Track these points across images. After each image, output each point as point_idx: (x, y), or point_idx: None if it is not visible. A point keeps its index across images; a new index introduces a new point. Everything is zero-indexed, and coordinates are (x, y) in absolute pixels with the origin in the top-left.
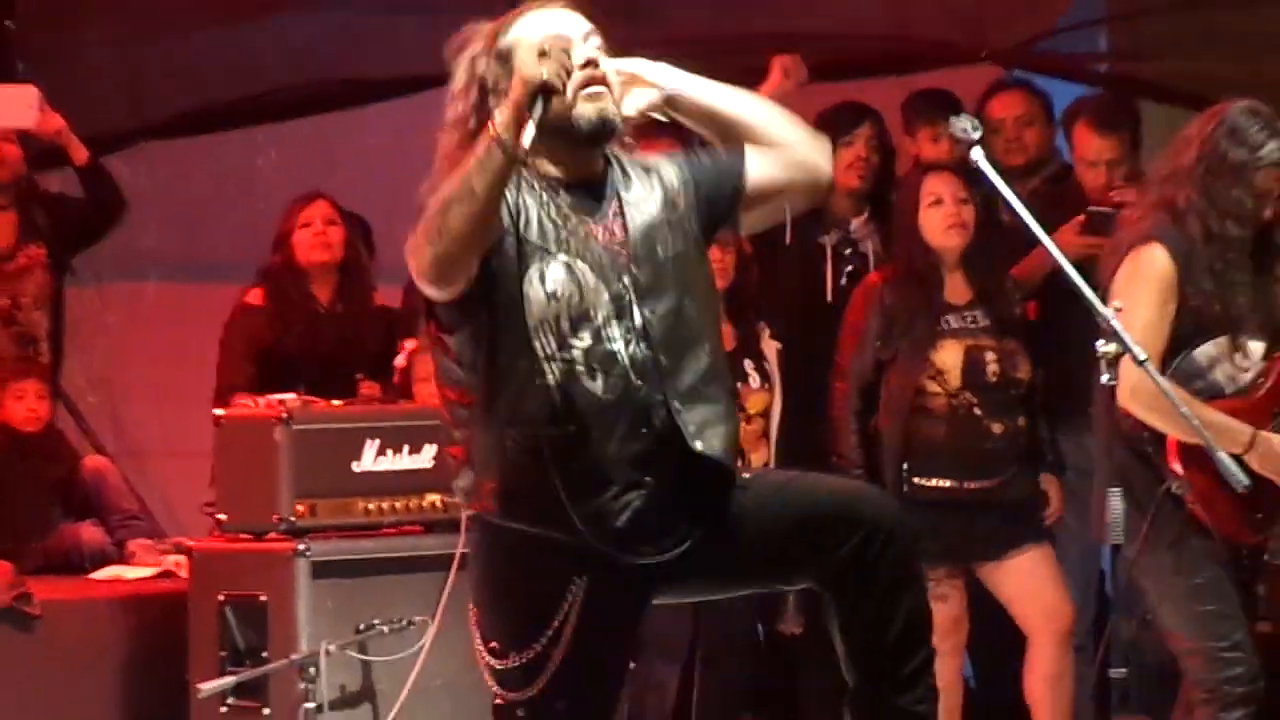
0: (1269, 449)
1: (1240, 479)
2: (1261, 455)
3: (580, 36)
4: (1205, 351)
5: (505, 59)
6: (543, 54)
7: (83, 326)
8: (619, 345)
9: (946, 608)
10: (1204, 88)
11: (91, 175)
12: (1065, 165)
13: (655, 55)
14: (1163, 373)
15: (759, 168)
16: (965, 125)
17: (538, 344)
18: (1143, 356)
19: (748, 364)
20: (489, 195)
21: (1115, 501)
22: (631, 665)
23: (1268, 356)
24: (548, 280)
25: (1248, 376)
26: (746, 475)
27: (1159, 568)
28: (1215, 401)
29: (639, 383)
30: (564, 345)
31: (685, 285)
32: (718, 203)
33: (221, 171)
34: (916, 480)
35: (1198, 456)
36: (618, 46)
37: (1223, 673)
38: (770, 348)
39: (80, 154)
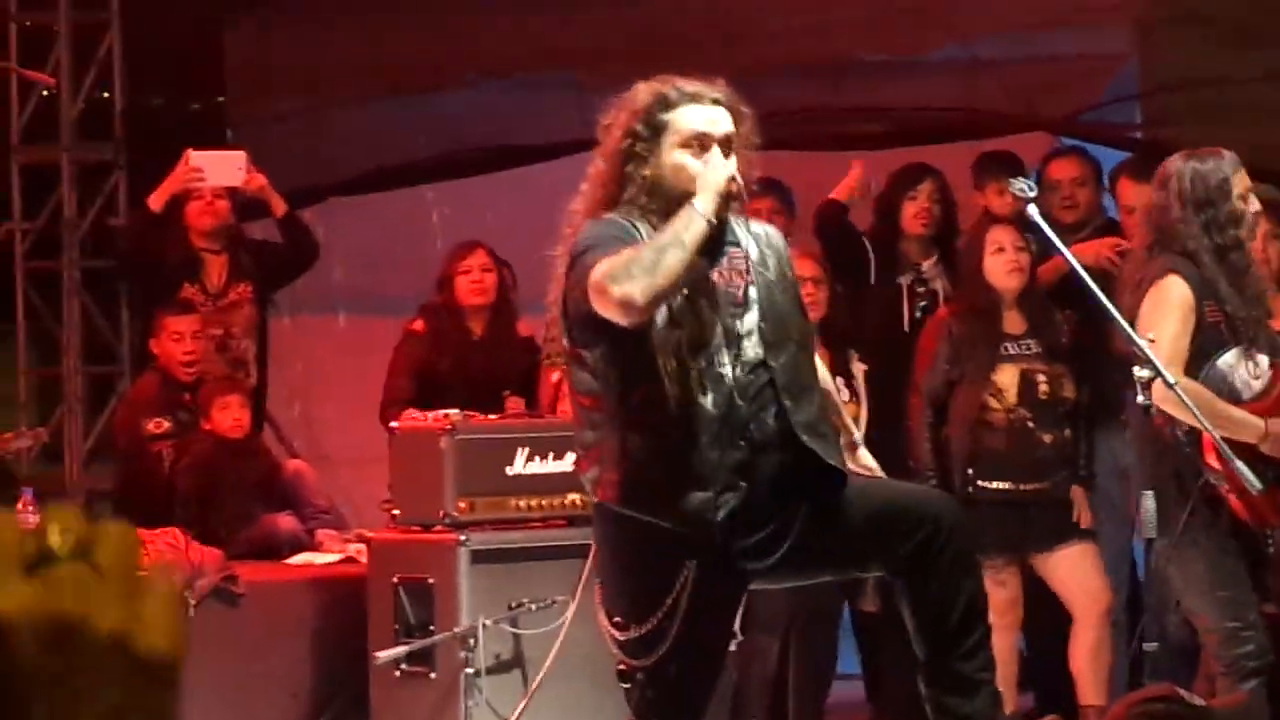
0: (1278, 437)
1: (1254, 483)
2: (1273, 442)
3: (721, 145)
4: (1226, 360)
5: (658, 132)
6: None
7: (283, 353)
8: (727, 369)
9: (1005, 591)
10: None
11: (289, 225)
12: (1111, 220)
13: (756, 124)
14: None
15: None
16: (1023, 185)
17: (660, 362)
18: (1173, 380)
19: (839, 382)
20: (695, 250)
21: (1148, 503)
22: (739, 639)
23: (1271, 365)
24: (672, 309)
25: (1260, 384)
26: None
27: (1188, 558)
28: (1238, 405)
29: (741, 403)
30: (682, 365)
31: (799, 339)
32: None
33: (394, 223)
34: (980, 483)
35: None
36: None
37: (1238, 649)
38: (858, 369)
39: (280, 207)
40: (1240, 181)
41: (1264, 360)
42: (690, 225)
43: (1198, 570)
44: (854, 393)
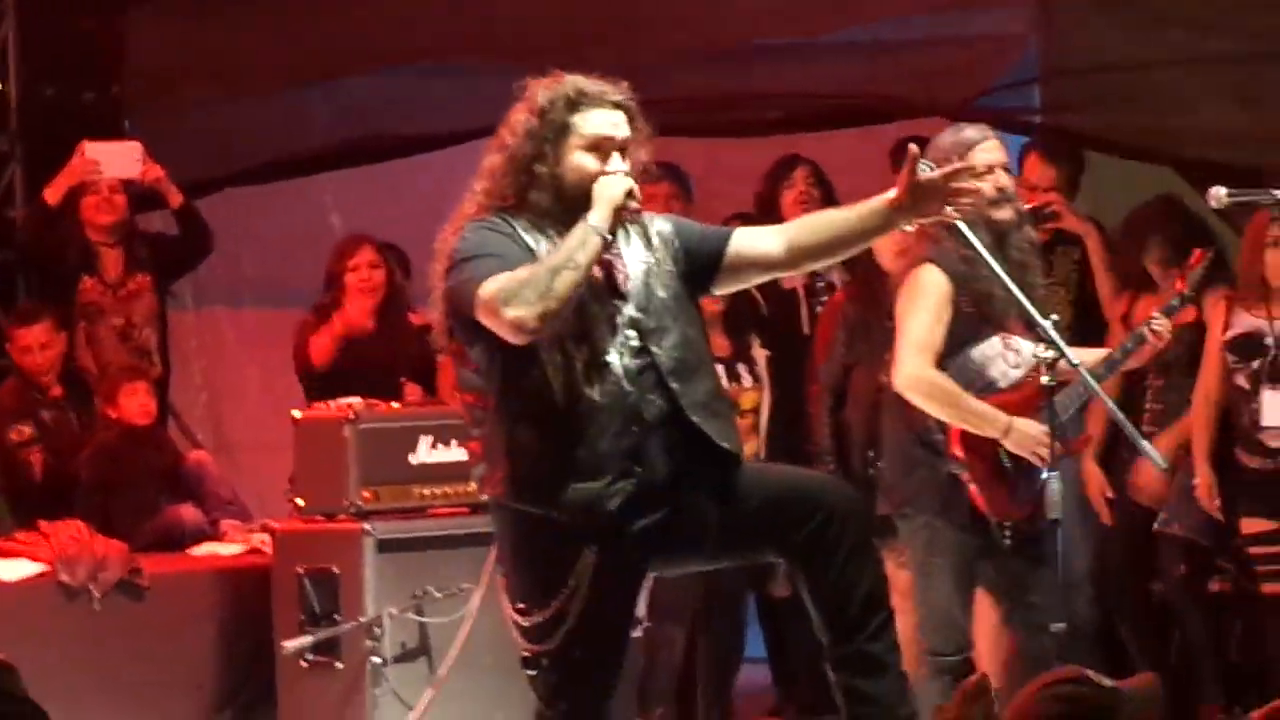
0: (1021, 433)
1: (1159, 460)
2: (1015, 439)
3: (620, 150)
4: (981, 351)
5: (561, 133)
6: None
7: (185, 344)
8: (614, 358)
9: (906, 574)
10: (1123, 137)
11: (185, 217)
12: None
13: (651, 111)
14: (942, 370)
15: (743, 243)
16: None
17: (544, 356)
18: (1076, 361)
19: (741, 368)
20: (589, 269)
21: (1055, 484)
22: (644, 626)
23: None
24: None
25: (1018, 373)
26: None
27: (918, 540)
28: (990, 396)
29: (630, 389)
30: (567, 358)
31: (684, 320)
32: (701, 262)
33: (295, 212)
34: (880, 464)
35: (976, 443)
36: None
37: (936, 644)
38: (760, 355)
39: (176, 199)
40: (982, 153)
41: (1026, 346)
42: (585, 244)
43: (924, 555)
44: (756, 378)
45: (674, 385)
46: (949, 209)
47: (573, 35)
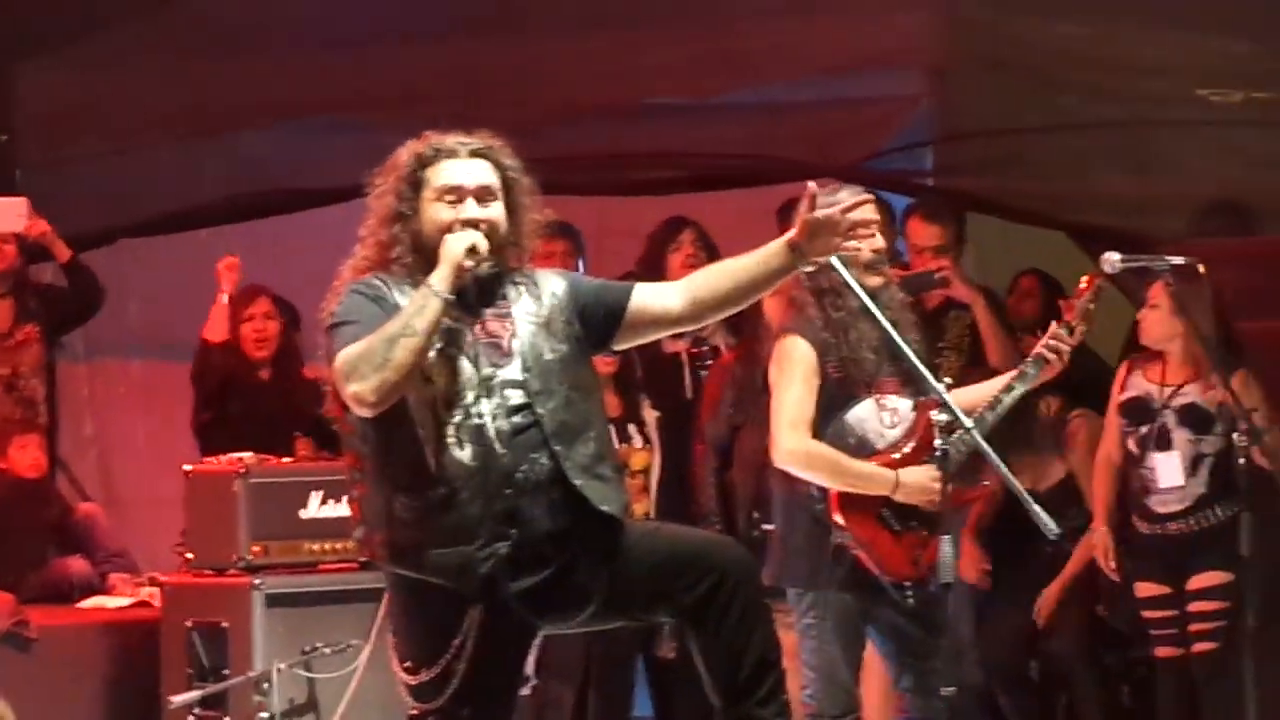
0: (909, 483)
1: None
2: (905, 490)
3: (477, 197)
4: (856, 415)
5: (418, 189)
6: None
7: (75, 395)
8: (486, 421)
9: (793, 636)
10: (1014, 200)
11: (74, 271)
12: (904, 263)
13: (544, 169)
14: (817, 438)
15: (644, 298)
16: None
17: (414, 417)
18: (969, 425)
19: (631, 428)
20: (429, 334)
21: (946, 547)
22: (533, 684)
23: (916, 408)
24: (425, 365)
25: (895, 433)
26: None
27: (804, 604)
28: (868, 457)
29: (503, 451)
30: (438, 421)
31: (571, 382)
32: (597, 320)
33: (188, 265)
34: (765, 526)
35: (855, 505)
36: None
37: (824, 706)
38: (650, 415)
39: (63, 253)
40: (861, 213)
41: (903, 405)
42: (424, 309)
43: (815, 621)
44: (646, 439)
45: (556, 447)
46: (847, 244)
47: (468, 92)
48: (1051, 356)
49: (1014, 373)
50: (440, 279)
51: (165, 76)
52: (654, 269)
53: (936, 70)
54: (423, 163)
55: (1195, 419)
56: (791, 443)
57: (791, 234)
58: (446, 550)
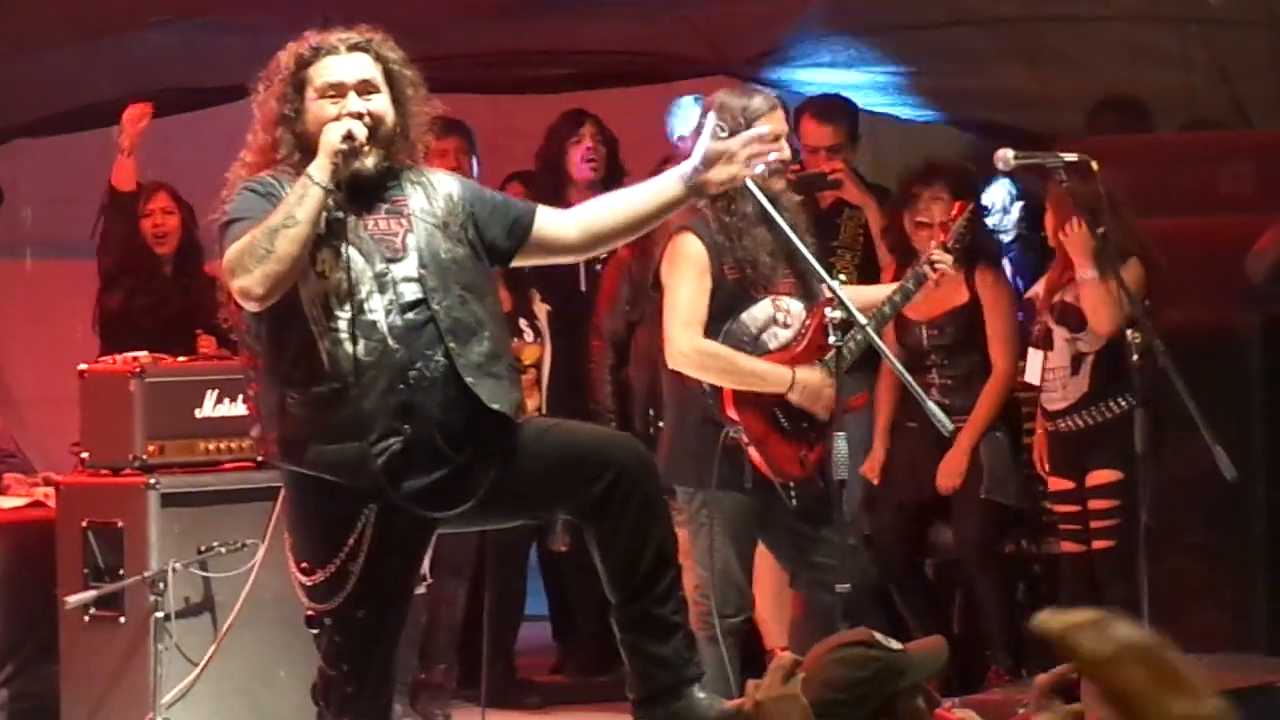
0: (805, 384)
1: (946, 424)
2: (800, 392)
3: (358, 90)
4: (752, 315)
5: (300, 90)
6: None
7: None
8: (379, 316)
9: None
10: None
11: None
12: (798, 162)
13: (437, 68)
14: (714, 338)
15: (544, 223)
16: (718, 124)
17: (308, 314)
18: (864, 321)
19: (522, 323)
20: (312, 223)
21: (840, 443)
22: (427, 583)
23: (808, 312)
24: (316, 261)
25: (788, 333)
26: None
27: (695, 503)
28: (763, 357)
29: (396, 346)
30: (330, 316)
31: (465, 283)
32: (495, 234)
33: (82, 164)
34: (661, 423)
35: (749, 403)
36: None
37: (718, 605)
38: (541, 310)
39: None
40: (768, 122)
41: (795, 306)
42: (304, 199)
43: (705, 522)
44: (537, 333)
45: (451, 344)
46: (743, 173)
47: None
48: (931, 274)
49: (896, 286)
50: (318, 168)
51: None
52: (553, 162)
53: None
54: (303, 63)
55: (1071, 318)
56: (685, 343)
57: (687, 166)
58: (339, 445)
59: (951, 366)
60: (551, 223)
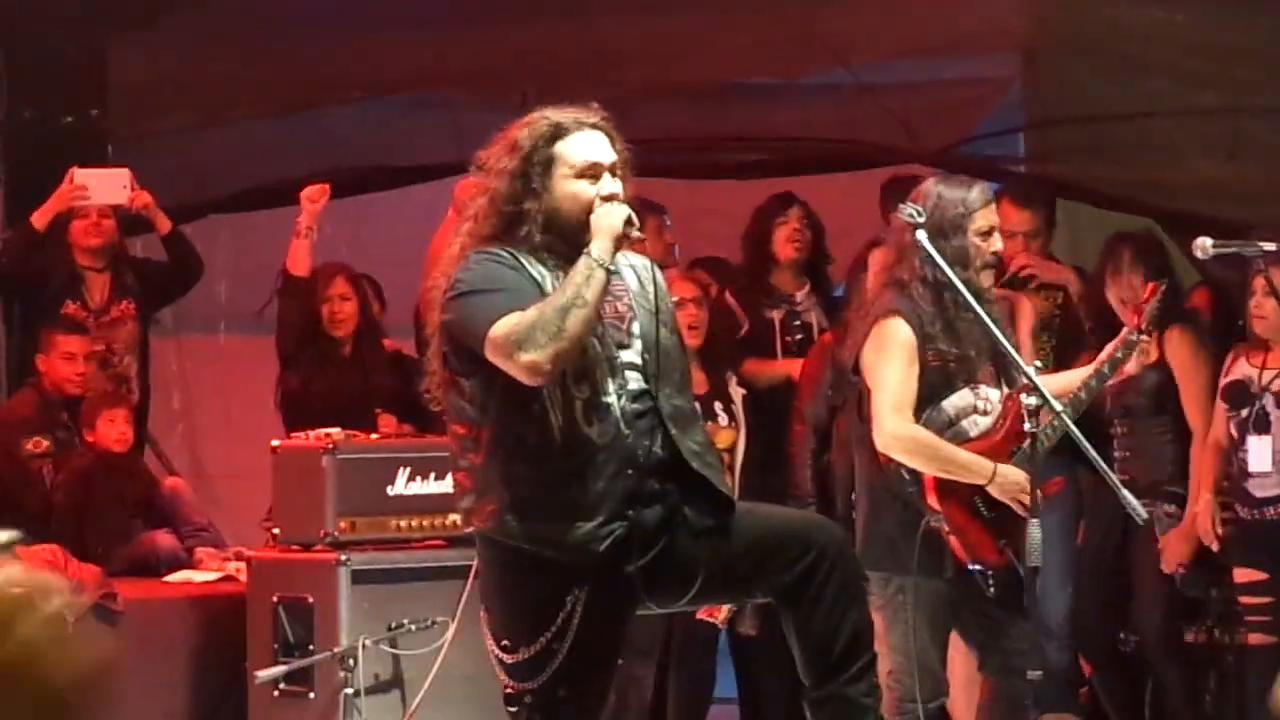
0: (1005, 479)
1: (1140, 512)
2: (1000, 486)
3: (611, 171)
4: (952, 403)
5: (548, 165)
6: (606, 200)
7: (164, 370)
8: (612, 399)
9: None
10: (1106, 187)
11: (174, 243)
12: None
13: (634, 152)
14: (917, 422)
15: None
16: (911, 211)
17: (544, 392)
18: (1060, 408)
19: (717, 405)
20: (598, 305)
21: (1035, 530)
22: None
23: (1004, 400)
24: None
25: (987, 421)
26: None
27: (892, 589)
28: (961, 445)
29: (627, 431)
30: (566, 394)
31: (680, 369)
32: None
33: (274, 240)
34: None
35: (951, 492)
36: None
37: (911, 691)
38: (736, 393)
39: (164, 225)
40: (985, 217)
41: (993, 395)
42: (590, 279)
43: (903, 606)
44: (732, 417)
45: (674, 432)
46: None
47: (552, 70)
48: (1129, 357)
49: (1091, 371)
50: (602, 250)
51: (255, 51)
52: (759, 243)
53: (1027, 52)
54: (550, 139)
55: None
56: (894, 426)
57: None
58: (567, 524)
59: (1133, 435)
60: None
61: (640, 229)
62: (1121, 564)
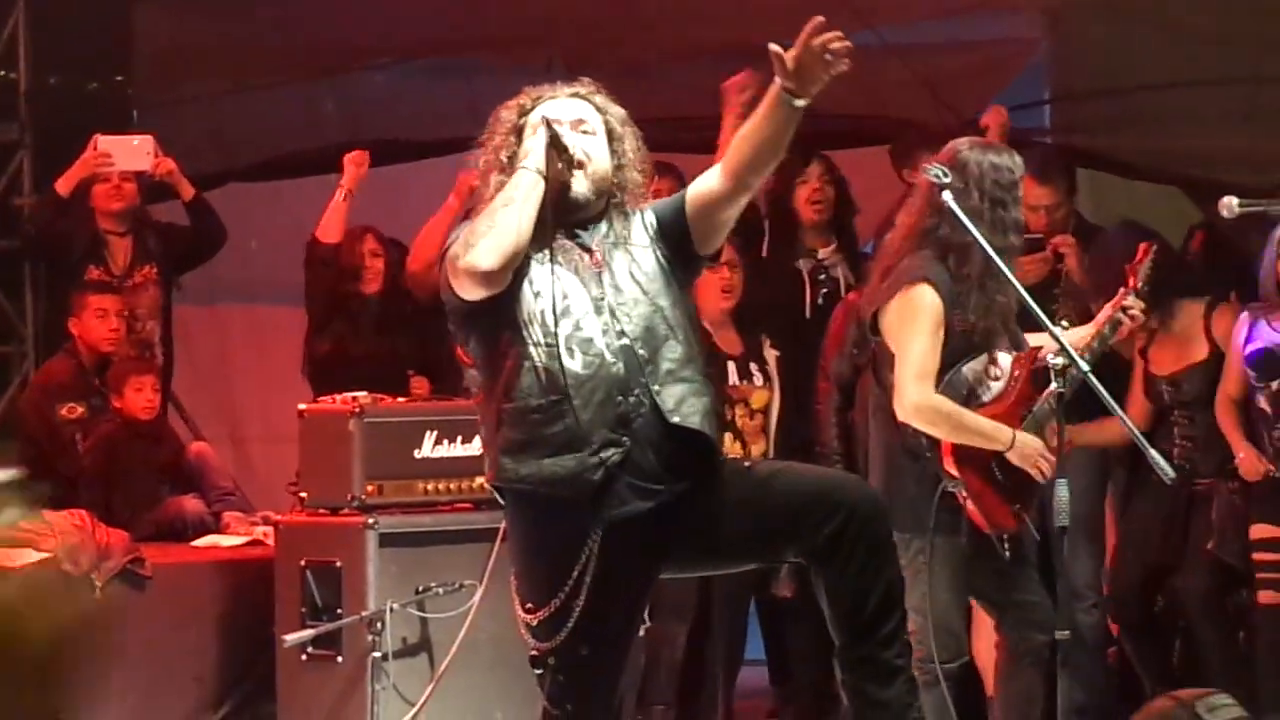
0: (1025, 446)
1: (1168, 471)
2: (1020, 452)
3: (572, 125)
4: (972, 368)
5: (519, 135)
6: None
7: (192, 336)
8: (595, 333)
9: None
10: (1131, 158)
11: (197, 209)
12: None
13: (657, 129)
14: (936, 389)
15: (693, 192)
16: (937, 171)
17: (525, 333)
18: (1086, 368)
19: (753, 367)
20: (528, 200)
21: (1062, 491)
22: (648, 626)
23: (1013, 362)
24: (534, 281)
25: (999, 385)
26: (746, 463)
27: (912, 551)
28: (975, 409)
29: (613, 361)
30: (547, 332)
31: (655, 293)
32: (673, 233)
33: (298, 209)
34: None
35: (969, 458)
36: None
37: (934, 651)
38: (771, 355)
39: (188, 191)
40: (1023, 185)
41: (1005, 359)
42: (519, 182)
43: (924, 566)
44: (767, 378)
45: (641, 352)
46: (833, 64)
47: (579, 35)
48: (1125, 319)
49: (1091, 332)
50: (531, 159)
51: (280, 17)
52: (780, 203)
53: (1051, 13)
54: (524, 112)
55: None
56: (917, 395)
57: (778, 81)
58: (557, 458)
59: (1193, 425)
60: (701, 184)
61: (591, 185)
62: (1168, 533)
